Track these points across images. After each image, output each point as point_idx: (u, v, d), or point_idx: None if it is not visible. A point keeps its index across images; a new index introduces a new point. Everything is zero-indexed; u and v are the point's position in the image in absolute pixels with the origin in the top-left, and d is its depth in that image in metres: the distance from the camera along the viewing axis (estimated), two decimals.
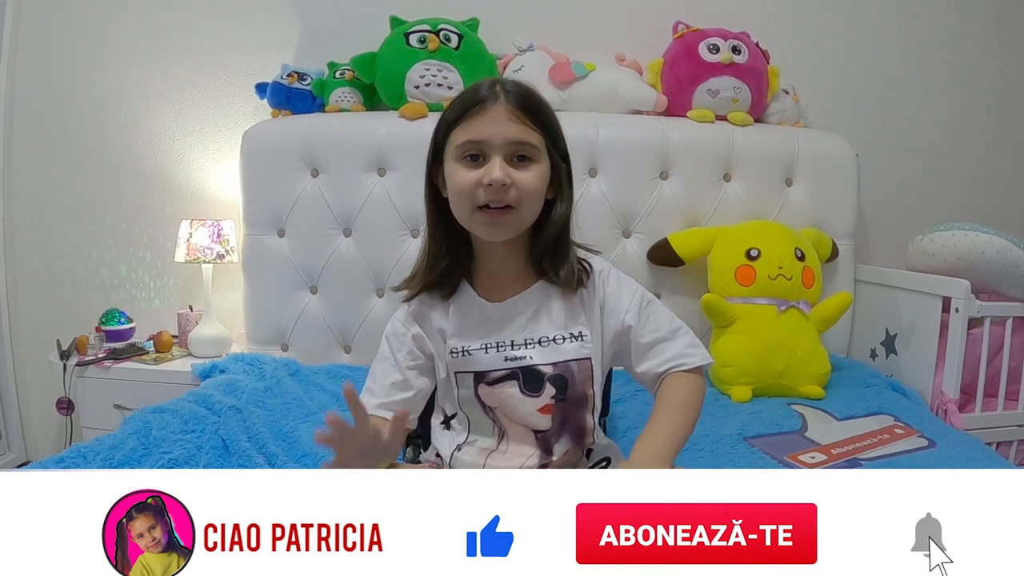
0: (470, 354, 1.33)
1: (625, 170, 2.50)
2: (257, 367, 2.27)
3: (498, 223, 1.25)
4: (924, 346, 2.34)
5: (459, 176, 1.24)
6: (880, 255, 2.89)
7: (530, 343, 1.33)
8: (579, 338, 1.34)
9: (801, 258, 2.31)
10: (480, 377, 1.34)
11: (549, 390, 1.33)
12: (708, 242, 2.42)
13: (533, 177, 1.25)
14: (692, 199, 2.53)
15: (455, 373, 1.35)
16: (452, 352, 1.34)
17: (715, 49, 2.54)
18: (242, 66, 2.81)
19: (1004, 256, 2.33)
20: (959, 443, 1.85)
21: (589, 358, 1.34)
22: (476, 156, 1.23)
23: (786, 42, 2.81)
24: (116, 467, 1.55)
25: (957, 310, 2.22)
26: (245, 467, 1.62)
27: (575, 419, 1.36)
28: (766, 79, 2.62)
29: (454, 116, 1.26)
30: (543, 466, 1.36)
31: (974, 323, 2.25)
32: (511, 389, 1.33)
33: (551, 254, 1.33)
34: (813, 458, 1.76)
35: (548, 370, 1.33)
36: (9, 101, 2.81)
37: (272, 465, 1.61)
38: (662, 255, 2.47)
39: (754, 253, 2.30)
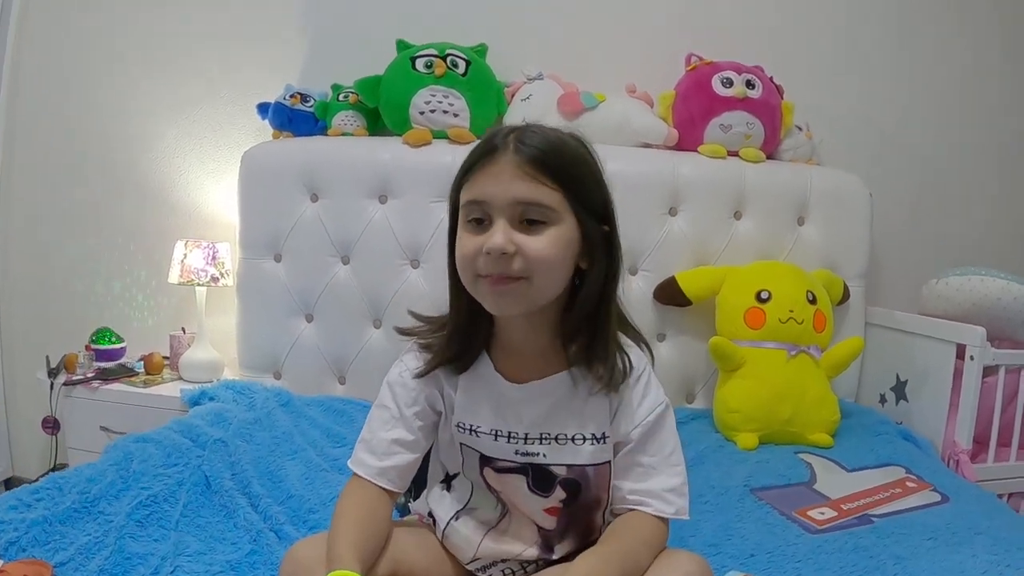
0: (478, 436, 1.21)
1: (633, 205, 2.39)
2: (247, 396, 2.21)
3: (504, 294, 1.09)
4: (936, 393, 2.28)
5: (462, 242, 1.11)
6: (890, 297, 2.83)
7: (546, 439, 1.20)
8: (600, 440, 1.20)
9: (812, 301, 2.26)
10: (487, 461, 1.23)
11: (559, 493, 1.21)
12: (717, 282, 2.37)
13: (545, 244, 1.07)
14: (701, 237, 2.48)
15: (461, 444, 1.25)
16: (459, 426, 1.23)
17: (728, 83, 2.50)
18: (245, 85, 2.76)
19: (1021, 303, 2.29)
20: (973, 498, 1.79)
21: (608, 462, 1.21)
22: (481, 220, 1.09)
23: (801, 77, 2.76)
24: (93, 501, 1.49)
25: (972, 358, 2.16)
26: (226, 507, 1.55)
27: (583, 521, 1.25)
28: (780, 115, 2.58)
29: (463, 170, 1.13)
30: (540, 560, 1.26)
31: (988, 371, 2.19)
32: (518, 483, 1.22)
33: (583, 339, 1.17)
34: (823, 514, 1.68)
35: (561, 472, 1.21)
36: (11, 111, 2.79)
37: (255, 507, 1.54)
38: (669, 294, 2.41)
39: (764, 295, 2.24)
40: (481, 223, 1.09)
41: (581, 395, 1.19)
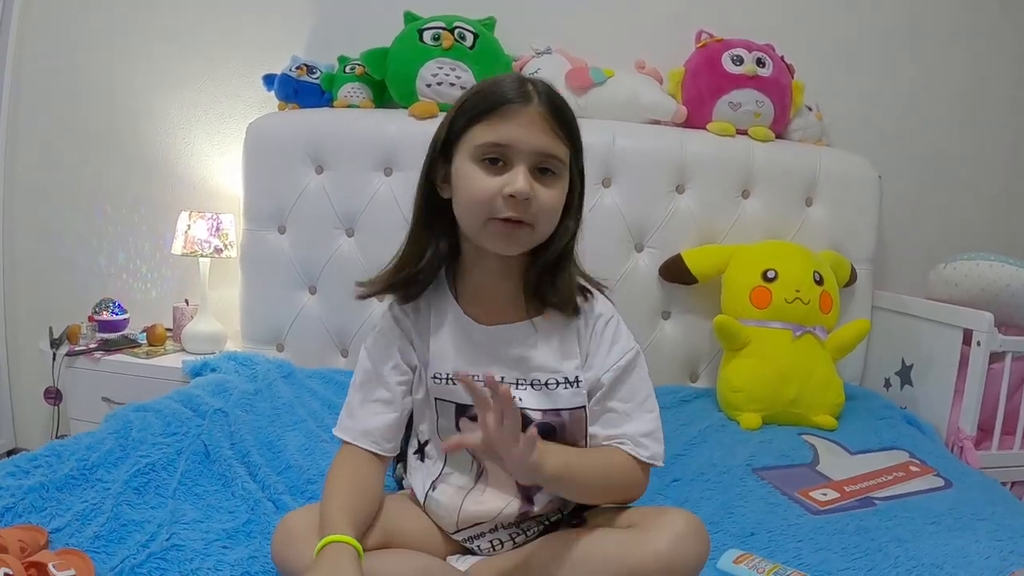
0: (454, 383, 1.23)
1: (640, 181, 2.42)
2: (249, 367, 2.21)
3: (512, 236, 1.14)
4: (941, 379, 2.26)
5: (476, 180, 1.13)
6: (897, 281, 2.80)
7: (522, 384, 1.23)
8: (574, 384, 1.23)
9: (819, 282, 2.23)
10: (463, 410, 1.24)
11: None
12: (723, 260, 2.34)
13: (555, 195, 1.15)
14: (708, 215, 2.45)
15: (436, 399, 1.26)
16: (435, 377, 1.24)
17: (739, 61, 2.47)
18: (251, 57, 2.74)
19: None
20: (976, 484, 1.77)
21: (584, 407, 1.24)
22: (496, 160, 1.12)
23: (812, 57, 2.72)
24: (91, 469, 1.49)
25: (979, 344, 2.14)
26: (224, 476, 1.54)
27: None
28: (790, 94, 2.55)
29: (477, 110, 1.14)
30: (523, 515, 1.26)
31: (995, 357, 2.17)
32: None
33: (549, 275, 1.21)
34: (825, 495, 1.66)
35: (536, 416, 1.22)
36: (16, 82, 2.76)
37: (253, 477, 1.53)
38: (674, 272, 2.38)
39: (771, 274, 2.22)
40: (496, 163, 1.12)
41: (552, 335, 1.24)
